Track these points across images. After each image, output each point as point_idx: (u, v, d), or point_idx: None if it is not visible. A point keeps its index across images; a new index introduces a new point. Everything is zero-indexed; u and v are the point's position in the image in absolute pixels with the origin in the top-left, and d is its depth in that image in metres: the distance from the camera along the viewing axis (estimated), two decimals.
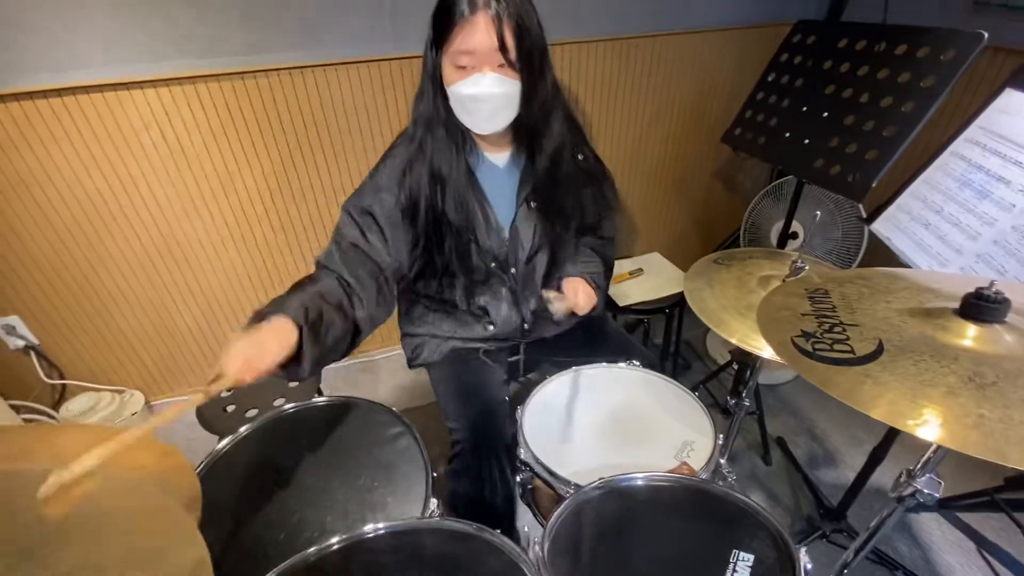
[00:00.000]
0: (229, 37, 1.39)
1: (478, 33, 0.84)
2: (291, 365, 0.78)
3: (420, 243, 1.03)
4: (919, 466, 0.63)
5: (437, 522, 0.62)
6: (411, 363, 1.28)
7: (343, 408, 1.07)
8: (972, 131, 0.97)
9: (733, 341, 0.90)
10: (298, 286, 0.90)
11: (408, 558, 0.58)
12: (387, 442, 0.99)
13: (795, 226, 1.65)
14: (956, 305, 0.55)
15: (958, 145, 0.99)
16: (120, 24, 1.30)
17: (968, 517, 1.53)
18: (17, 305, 1.61)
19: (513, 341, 1.22)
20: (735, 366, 1.81)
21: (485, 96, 0.89)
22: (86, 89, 1.35)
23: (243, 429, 1.01)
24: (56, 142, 1.40)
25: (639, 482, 0.69)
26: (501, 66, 0.88)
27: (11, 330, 1.63)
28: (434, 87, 0.94)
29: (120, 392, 1.83)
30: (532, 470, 0.92)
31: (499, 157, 1.07)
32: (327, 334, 0.84)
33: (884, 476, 1.53)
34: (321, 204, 1.75)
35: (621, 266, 1.79)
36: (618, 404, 1.04)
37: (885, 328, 0.55)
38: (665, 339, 1.87)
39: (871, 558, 1.40)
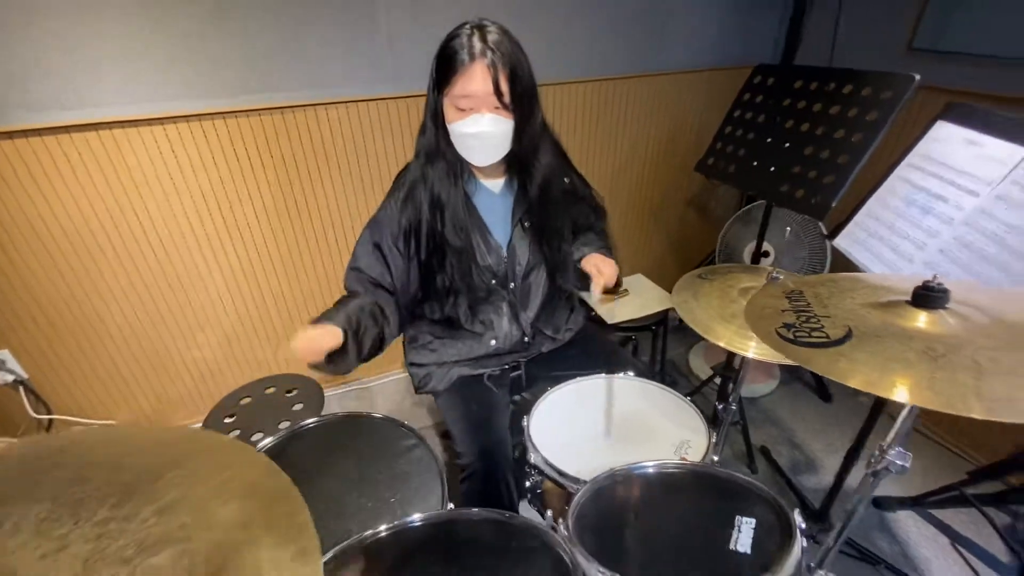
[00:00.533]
0: (233, 76, 1.47)
1: (476, 79, 0.95)
2: (337, 360, 1.00)
3: (424, 263, 1.12)
4: (889, 440, 0.72)
5: (470, 511, 0.68)
6: (419, 390, 1.33)
7: (358, 422, 1.11)
8: (913, 157, 1.12)
9: (722, 344, 0.99)
10: (341, 302, 1.09)
11: (446, 543, 0.63)
12: (402, 453, 1.04)
13: (766, 246, 1.79)
14: (908, 297, 0.66)
15: (902, 169, 1.14)
16: (130, 65, 1.37)
17: (941, 514, 1.63)
18: (9, 339, 1.59)
19: (515, 356, 1.29)
20: (717, 380, 1.91)
21: (483, 135, 1.00)
22: (94, 126, 1.40)
23: (266, 442, 1.05)
24: (61, 177, 1.43)
25: (650, 470, 0.76)
26: (496, 108, 0.98)
27: (1, 364, 1.61)
28: (435, 124, 1.04)
29: (109, 426, 1.81)
30: (542, 472, 0.98)
31: (494, 184, 1.17)
32: (364, 337, 1.04)
33: (858, 479, 1.63)
34: (320, 238, 1.81)
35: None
36: (618, 410, 1.12)
37: (852, 318, 0.65)
38: (652, 355, 1.97)
39: (855, 555, 1.48)
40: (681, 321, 2.52)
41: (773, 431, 1.94)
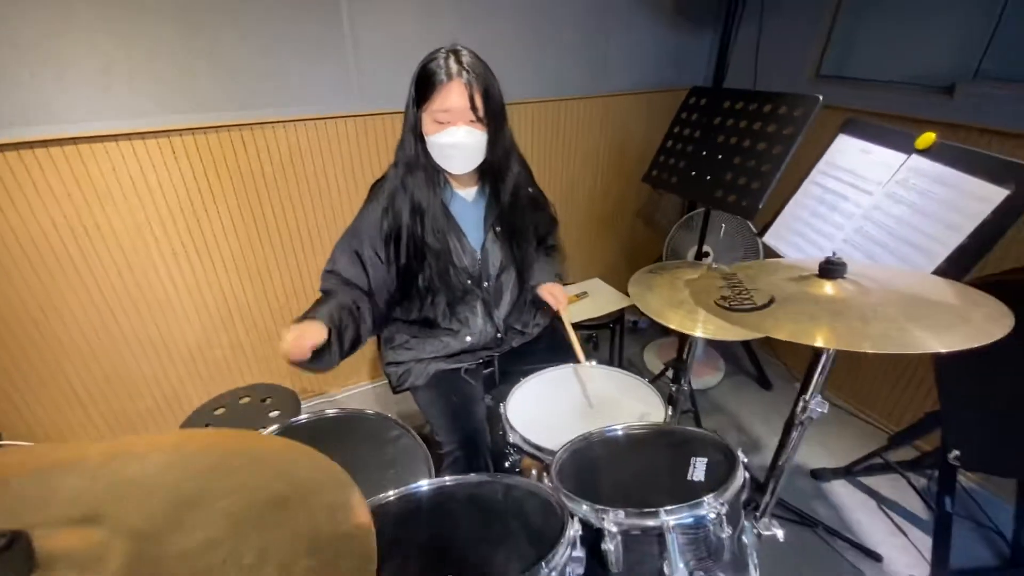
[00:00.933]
0: (201, 93, 1.51)
1: (453, 96, 1.06)
2: (320, 356, 1.05)
3: (405, 266, 1.20)
4: (809, 393, 0.87)
5: (467, 476, 0.76)
6: (397, 389, 1.39)
7: (347, 418, 1.17)
8: (821, 165, 1.33)
9: (673, 327, 1.13)
10: (320, 302, 1.13)
11: (450, 502, 0.71)
12: (390, 443, 1.10)
13: (706, 247, 1.99)
14: (816, 272, 0.81)
15: (814, 175, 1.34)
16: (97, 80, 1.38)
17: (869, 481, 1.84)
18: None
19: (489, 352, 1.38)
20: (669, 373, 2.07)
21: (459, 145, 1.11)
22: (59, 142, 1.41)
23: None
24: (22, 192, 1.42)
25: (619, 432, 0.87)
26: (471, 121, 1.10)
27: None
28: (414, 137, 1.14)
29: None
30: (521, 451, 1.07)
31: (468, 192, 1.28)
32: (345, 333, 1.11)
33: (796, 456, 1.81)
34: (288, 251, 1.84)
35: (569, 290, 2.02)
36: (586, 392, 1.23)
37: (775, 289, 0.80)
38: (610, 352, 2.11)
39: (795, 519, 1.65)
40: (636, 323, 2.69)
41: (721, 418, 2.12)
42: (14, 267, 1.48)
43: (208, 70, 1.49)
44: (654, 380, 2.21)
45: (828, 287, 0.79)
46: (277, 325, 1.94)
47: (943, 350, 0.62)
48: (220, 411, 1.50)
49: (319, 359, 1.06)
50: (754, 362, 2.30)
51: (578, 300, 1.98)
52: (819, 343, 0.66)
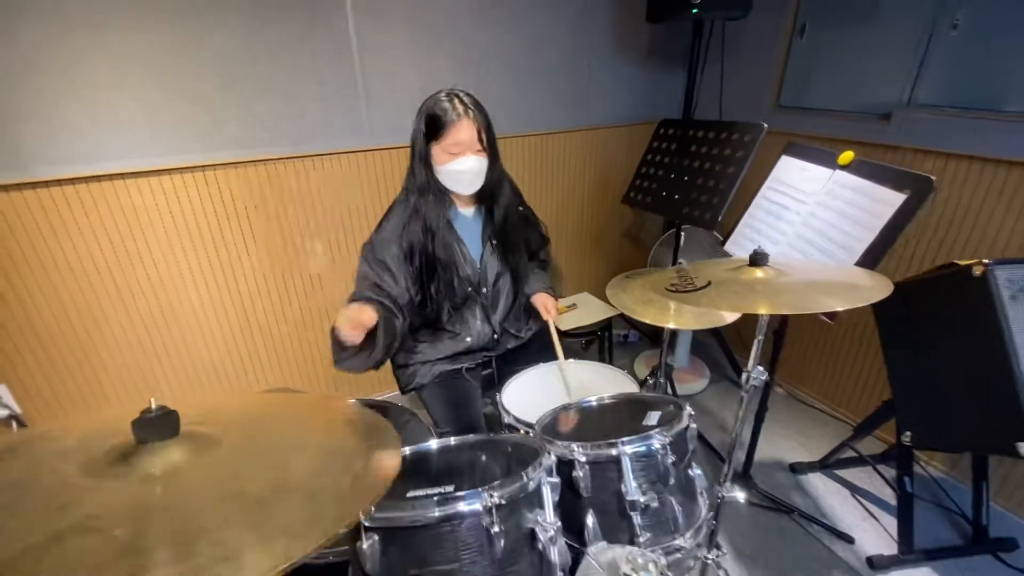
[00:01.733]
0: (232, 134, 1.74)
1: (464, 130, 1.29)
2: (368, 345, 1.21)
3: (418, 276, 1.39)
4: (750, 364, 1.04)
5: (467, 436, 0.93)
6: (405, 389, 1.57)
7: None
8: (769, 181, 1.54)
9: (647, 320, 1.31)
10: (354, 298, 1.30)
11: (455, 454, 0.88)
12: (401, 427, 1.27)
13: (681, 260, 2.18)
14: (747, 262, 1.00)
15: (763, 191, 1.55)
16: (146, 125, 1.62)
17: (843, 473, 1.97)
18: (8, 374, 1.70)
19: (486, 353, 1.56)
20: (650, 380, 2.23)
21: (469, 171, 1.33)
22: (109, 177, 1.63)
23: None
24: (75, 221, 1.63)
25: (593, 402, 1.04)
26: (478, 151, 1.32)
27: None
28: (424, 166, 1.34)
29: None
30: (515, 429, 1.23)
31: (467, 211, 1.48)
32: (390, 324, 1.27)
33: (772, 451, 1.96)
34: (304, 273, 2.04)
35: (560, 303, 2.21)
36: (573, 383, 1.40)
37: (712, 277, 0.99)
38: (600, 358, 2.27)
39: (772, 507, 1.79)
40: (626, 337, 2.86)
41: (706, 420, 2.26)
42: (63, 286, 1.68)
43: (238, 115, 1.73)
44: (640, 386, 2.36)
45: (757, 273, 0.98)
46: (293, 342, 2.12)
47: (837, 308, 0.80)
48: None
49: (361, 350, 1.21)
50: (735, 369, 2.46)
51: (568, 311, 2.16)
52: (759, 312, 0.84)
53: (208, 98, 1.67)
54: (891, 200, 1.11)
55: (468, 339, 1.51)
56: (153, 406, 0.49)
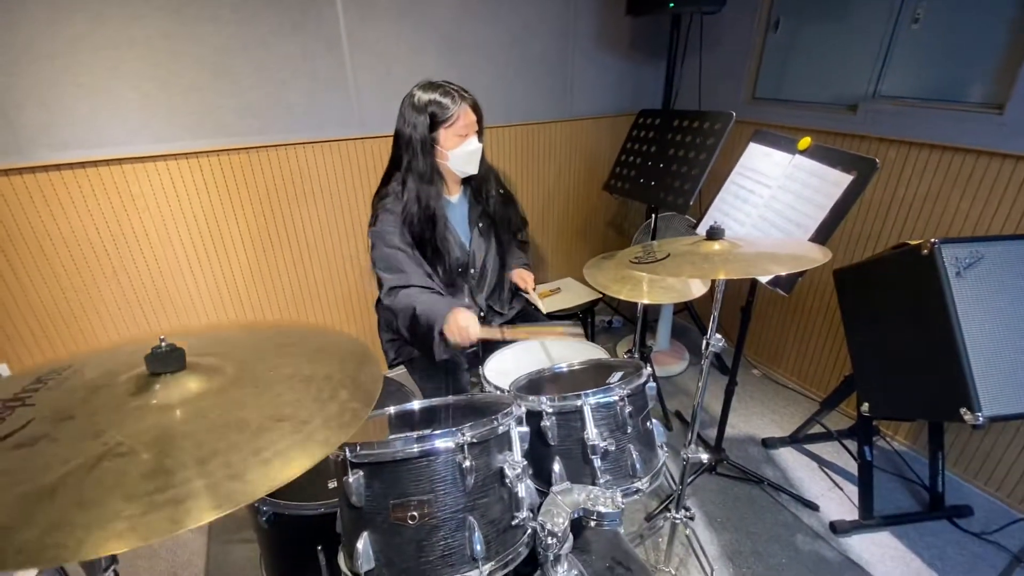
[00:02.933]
0: (230, 122, 1.81)
1: (470, 113, 1.38)
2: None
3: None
4: (709, 332, 1.13)
5: (447, 397, 1.01)
6: (393, 363, 1.64)
7: None
8: (737, 167, 1.62)
9: (621, 296, 1.40)
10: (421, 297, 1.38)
11: (436, 411, 0.96)
12: (388, 396, 1.35)
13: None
14: (705, 237, 1.09)
15: (733, 176, 1.63)
16: (143, 112, 1.68)
17: (812, 447, 2.08)
18: (7, 352, 1.76)
19: None
20: (626, 355, 2.33)
21: (477, 150, 1.43)
22: (107, 162, 1.68)
23: None
24: (73, 204, 1.68)
25: (564, 368, 1.13)
26: (476, 132, 1.42)
27: None
28: (426, 155, 1.40)
29: None
30: None
31: (454, 197, 1.56)
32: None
33: (746, 427, 2.04)
34: (297, 256, 2.11)
35: (544, 287, 2.30)
36: (553, 356, 1.48)
37: (672, 250, 1.07)
38: None
39: (742, 477, 1.89)
40: (610, 322, 2.96)
41: (685, 400, 2.36)
42: (61, 269, 1.73)
43: (231, 104, 1.79)
44: None
45: (714, 246, 1.06)
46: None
47: (778, 271, 0.89)
48: None
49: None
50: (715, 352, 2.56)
51: (552, 294, 2.25)
52: (721, 277, 0.92)
53: (202, 86, 1.73)
54: (840, 181, 1.20)
55: None
56: (163, 343, 0.57)
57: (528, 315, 1.74)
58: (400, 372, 1.69)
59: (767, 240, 1.10)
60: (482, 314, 1.62)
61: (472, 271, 1.57)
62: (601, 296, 2.22)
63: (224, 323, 0.73)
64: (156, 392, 0.56)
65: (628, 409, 0.90)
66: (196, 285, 1.97)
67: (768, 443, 2.09)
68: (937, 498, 1.77)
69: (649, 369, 0.99)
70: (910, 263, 1.40)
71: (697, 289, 1.42)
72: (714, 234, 1.06)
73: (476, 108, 1.41)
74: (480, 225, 1.56)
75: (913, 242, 1.42)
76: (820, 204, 1.24)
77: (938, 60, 1.77)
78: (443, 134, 1.39)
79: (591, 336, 2.37)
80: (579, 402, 0.89)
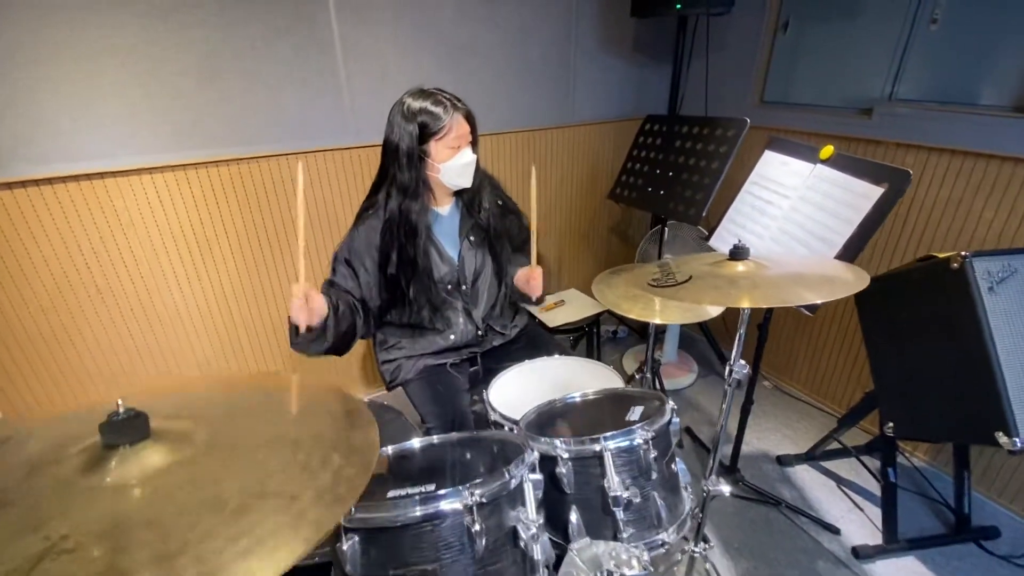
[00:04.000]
0: (213, 132, 1.72)
1: (463, 124, 1.29)
2: (316, 330, 1.20)
3: (392, 278, 1.38)
4: (732, 358, 1.05)
5: (450, 435, 0.93)
6: (391, 385, 1.56)
7: None
8: (753, 176, 1.54)
9: (632, 316, 1.31)
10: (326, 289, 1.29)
11: (439, 452, 0.88)
12: (385, 425, 1.26)
13: (667, 256, 2.19)
14: (728, 256, 1.01)
15: (747, 185, 1.55)
16: (125, 124, 1.59)
17: (829, 464, 2.00)
18: None
19: (471, 350, 1.56)
20: (637, 375, 2.25)
21: (471, 162, 1.34)
22: (88, 176, 1.60)
23: None
24: (53, 221, 1.60)
25: (576, 398, 1.04)
26: (470, 143, 1.33)
27: None
28: (413, 167, 1.31)
29: None
30: (500, 426, 1.23)
31: (444, 208, 1.47)
32: (342, 319, 1.25)
33: (759, 444, 1.97)
34: (290, 274, 2.02)
35: (548, 299, 2.21)
36: (559, 379, 1.39)
37: (693, 272, 0.99)
38: (588, 355, 2.28)
39: (759, 499, 1.80)
40: (615, 333, 2.87)
41: (695, 414, 2.28)
42: (41, 287, 1.65)
43: (219, 112, 1.71)
44: (627, 381, 2.38)
45: (738, 267, 0.98)
46: (279, 339, 2.10)
47: (814, 301, 0.81)
48: None
49: (315, 336, 1.21)
50: (723, 363, 2.47)
51: (556, 307, 2.17)
52: (718, 302, 0.84)
53: (188, 95, 1.65)
54: (869, 193, 1.12)
55: (452, 336, 1.50)
56: (121, 408, 0.48)
57: (534, 335, 1.66)
58: (398, 395, 1.60)
59: (794, 259, 1.02)
60: (480, 332, 1.54)
61: (464, 287, 1.48)
62: (607, 309, 2.14)
63: (195, 378, 0.63)
64: (112, 468, 0.48)
65: (652, 454, 0.82)
66: (184, 302, 1.88)
67: (783, 460, 2.01)
68: (963, 519, 1.69)
69: (672, 403, 0.91)
70: (939, 277, 1.32)
71: (714, 309, 1.34)
72: (739, 254, 0.98)
73: (470, 118, 1.32)
74: (471, 238, 1.48)
75: (941, 255, 1.34)
76: (847, 218, 1.16)
77: (958, 62, 1.70)
78: (434, 146, 1.30)
79: (597, 347, 2.29)
80: (598, 447, 0.81)
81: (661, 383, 2.10)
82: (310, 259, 2.05)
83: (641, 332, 2.82)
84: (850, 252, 1.12)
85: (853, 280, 0.86)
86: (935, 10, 1.69)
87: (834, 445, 1.96)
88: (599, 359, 2.35)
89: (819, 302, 0.81)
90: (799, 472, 1.98)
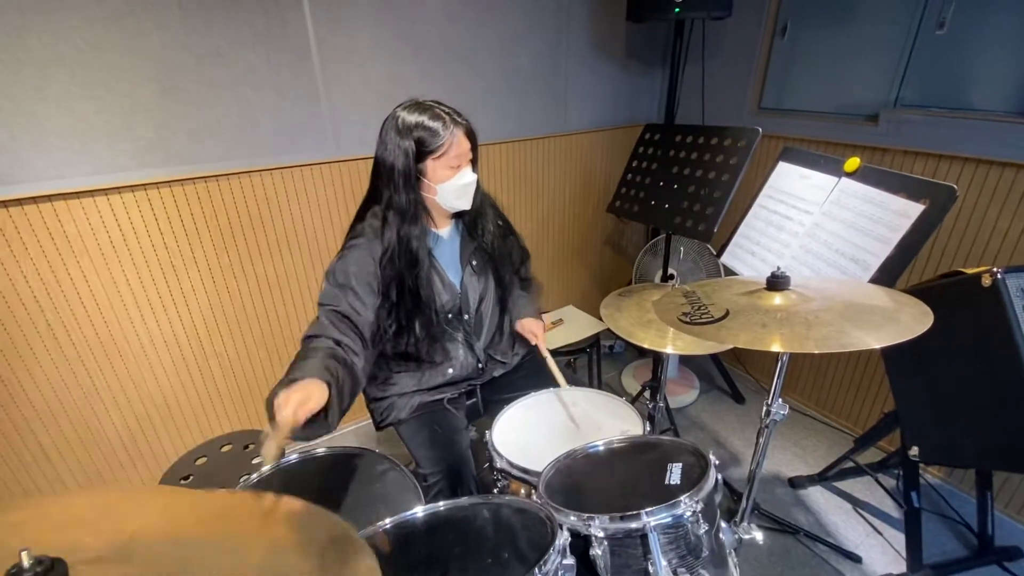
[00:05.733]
0: (183, 148, 1.56)
1: (463, 141, 1.16)
2: (318, 419, 0.93)
3: (391, 307, 1.23)
4: (771, 398, 0.94)
5: (459, 500, 0.79)
6: (380, 425, 1.41)
7: (334, 457, 1.18)
8: (766, 189, 1.45)
9: (646, 346, 1.20)
10: (305, 355, 1.03)
11: (445, 526, 0.74)
12: (378, 478, 1.12)
13: (671, 270, 2.09)
14: (764, 285, 0.90)
15: (760, 199, 1.46)
16: (73, 140, 1.41)
17: (843, 485, 1.91)
18: None
19: (470, 383, 1.42)
20: (646, 393, 2.14)
21: (471, 182, 1.22)
22: (34, 200, 1.42)
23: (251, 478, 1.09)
24: None
25: (600, 447, 0.92)
26: (470, 161, 1.21)
27: None
28: (410, 188, 1.17)
29: None
30: (508, 475, 1.10)
31: (444, 232, 1.34)
32: (344, 389, 1.02)
33: (769, 464, 1.87)
34: (266, 297, 1.86)
35: (545, 318, 2.09)
36: (567, 414, 1.27)
37: (729, 303, 0.88)
38: (589, 376, 2.17)
39: (777, 528, 1.71)
40: (612, 347, 2.77)
41: (699, 434, 2.18)
42: None
43: (185, 127, 1.55)
44: (632, 401, 2.27)
45: (776, 298, 0.87)
46: (255, 370, 1.93)
47: (877, 346, 0.70)
48: (202, 461, 1.48)
49: (317, 422, 0.94)
50: (726, 378, 2.39)
51: (554, 327, 2.05)
52: (773, 348, 0.73)
53: (148, 107, 1.48)
54: (907, 211, 1.03)
55: (451, 370, 1.37)
56: (25, 562, 0.34)
57: (537, 363, 1.53)
58: (388, 434, 1.45)
59: (835, 286, 0.92)
60: (481, 365, 1.41)
61: (467, 316, 1.35)
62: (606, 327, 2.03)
63: (129, 498, 0.47)
64: None
65: (703, 528, 0.70)
66: (149, 335, 1.70)
67: (796, 483, 1.92)
68: (986, 541, 1.62)
69: (714, 459, 0.79)
70: (967, 295, 1.24)
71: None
72: (778, 283, 0.87)
73: (471, 135, 1.19)
74: (473, 263, 1.35)
75: (969, 270, 1.26)
76: (881, 237, 1.07)
77: (968, 67, 1.64)
78: (431, 165, 1.17)
79: (597, 366, 2.18)
80: (638, 523, 0.68)
81: (666, 403, 1.99)
82: (288, 289, 1.90)
83: (640, 347, 2.72)
84: (887, 275, 1.03)
85: (914, 317, 0.77)
86: (942, 14, 1.63)
87: (847, 464, 1.88)
88: (599, 377, 2.25)
89: (879, 347, 0.70)
90: (813, 495, 1.89)
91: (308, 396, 0.88)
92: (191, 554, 0.42)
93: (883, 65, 1.80)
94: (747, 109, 2.20)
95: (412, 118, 1.14)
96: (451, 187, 1.19)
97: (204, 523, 0.47)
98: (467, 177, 1.20)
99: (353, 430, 2.25)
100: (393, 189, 1.17)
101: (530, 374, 1.50)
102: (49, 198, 1.44)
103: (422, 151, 1.15)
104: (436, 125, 1.13)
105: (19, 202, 1.41)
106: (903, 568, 1.58)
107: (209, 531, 0.46)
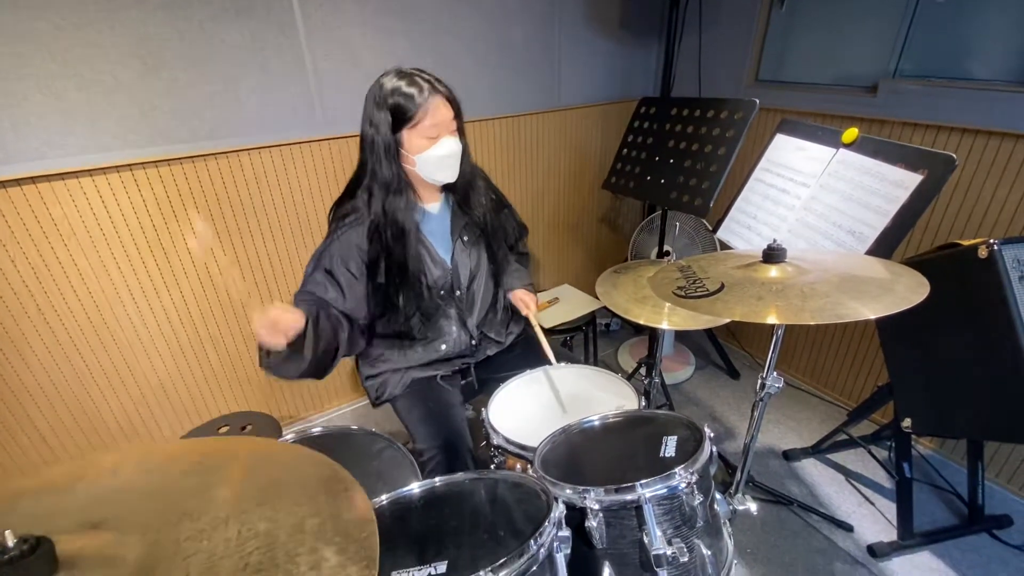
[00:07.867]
0: (168, 127, 1.52)
1: (441, 109, 1.12)
2: (293, 350, 1.01)
3: (382, 286, 1.22)
4: (765, 370, 0.94)
5: (455, 475, 0.80)
6: (376, 402, 1.41)
7: (331, 436, 1.18)
8: (763, 163, 1.43)
9: (641, 322, 1.20)
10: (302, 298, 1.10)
11: (443, 501, 0.75)
12: (376, 456, 1.12)
13: (667, 247, 2.08)
14: (760, 258, 0.89)
15: (757, 172, 1.44)
16: (57, 120, 1.38)
17: (836, 456, 1.94)
18: None
19: (464, 360, 1.42)
20: (642, 370, 2.15)
21: (452, 154, 1.18)
22: (17, 182, 1.39)
23: None
24: None
25: (596, 422, 0.92)
26: (453, 131, 1.17)
27: None
28: (391, 160, 1.16)
29: None
30: (504, 451, 1.10)
31: (433, 206, 1.32)
32: (322, 333, 1.07)
33: (763, 437, 1.89)
34: (258, 275, 1.84)
35: (540, 297, 2.08)
36: (563, 391, 1.28)
37: (724, 277, 0.87)
38: (585, 354, 2.17)
39: (771, 499, 1.73)
40: (607, 325, 2.77)
41: (695, 409, 2.20)
42: None
43: (169, 105, 1.51)
44: (628, 378, 2.27)
45: (772, 271, 0.87)
46: (251, 351, 1.93)
47: (872, 316, 0.70)
48: None
49: (289, 354, 1.01)
50: (721, 354, 2.40)
51: (549, 306, 2.04)
52: (769, 320, 0.73)
53: (130, 86, 1.44)
54: (905, 181, 1.02)
55: (443, 346, 1.37)
56: (9, 541, 0.34)
57: (531, 341, 1.53)
58: (386, 413, 1.46)
59: (831, 258, 0.91)
60: (474, 342, 1.40)
61: (458, 292, 1.34)
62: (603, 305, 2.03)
63: (109, 457, 0.47)
64: None
65: (697, 499, 0.70)
66: (141, 317, 1.69)
67: (790, 455, 1.95)
68: (976, 510, 1.65)
69: (709, 431, 0.79)
70: (963, 266, 1.23)
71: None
72: (774, 256, 0.87)
73: (452, 102, 1.15)
74: (464, 238, 1.33)
75: (965, 242, 1.26)
76: (879, 209, 1.05)
77: (969, 36, 1.61)
78: (407, 135, 1.14)
79: (593, 344, 2.18)
80: (634, 495, 0.69)
81: (662, 379, 2.00)
82: (281, 268, 1.88)
83: (636, 324, 2.72)
84: (884, 247, 1.02)
85: (913, 285, 0.76)
86: None
87: (841, 436, 1.91)
88: (595, 354, 2.26)
89: (874, 317, 0.70)
90: (807, 467, 1.92)
91: (285, 309, 0.96)
92: (171, 504, 0.41)
93: (882, 35, 1.76)
94: (744, 81, 2.16)
95: (390, 84, 1.11)
96: (430, 157, 1.16)
97: (184, 473, 0.47)
98: (446, 147, 1.16)
99: (350, 410, 2.26)
100: (376, 161, 1.16)
101: (524, 353, 1.50)
102: (33, 180, 1.41)
103: (398, 119, 1.12)
104: (412, 91, 1.10)
105: (3, 184, 1.38)
106: (894, 537, 1.61)
107: (188, 479, 0.46)
